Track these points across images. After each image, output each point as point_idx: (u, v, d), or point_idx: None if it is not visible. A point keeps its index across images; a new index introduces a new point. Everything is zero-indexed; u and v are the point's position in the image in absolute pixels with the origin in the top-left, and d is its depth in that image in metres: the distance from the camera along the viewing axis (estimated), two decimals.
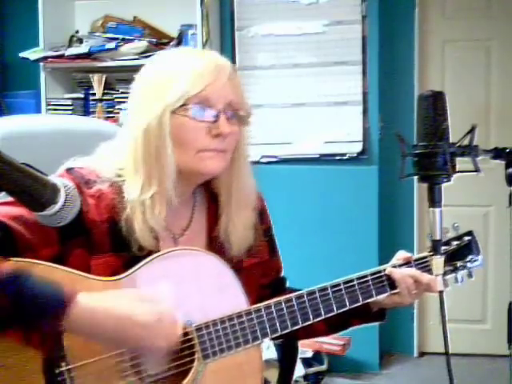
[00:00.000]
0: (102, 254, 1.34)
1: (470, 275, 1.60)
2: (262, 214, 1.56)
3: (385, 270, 1.53)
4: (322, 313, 1.45)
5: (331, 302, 1.46)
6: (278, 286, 1.62)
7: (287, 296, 1.44)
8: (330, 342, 3.68)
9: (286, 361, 1.81)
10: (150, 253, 1.35)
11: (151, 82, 1.38)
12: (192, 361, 1.35)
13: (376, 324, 1.62)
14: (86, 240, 1.32)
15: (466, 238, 1.59)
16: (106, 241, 1.34)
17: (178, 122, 1.34)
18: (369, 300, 1.51)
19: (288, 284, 1.66)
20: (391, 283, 1.52)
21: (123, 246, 1.35)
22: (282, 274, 1.65)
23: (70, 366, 1.25)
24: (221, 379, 1.38)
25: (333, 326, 1.57)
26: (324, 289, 1.46)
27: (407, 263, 1.55)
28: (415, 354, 4.15)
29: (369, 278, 1.50)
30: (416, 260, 1.55)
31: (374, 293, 1.50)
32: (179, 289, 1.34)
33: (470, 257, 1.58)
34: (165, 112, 1.33)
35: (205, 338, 1.35)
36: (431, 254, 1.52)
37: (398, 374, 3.93)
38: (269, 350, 2.81)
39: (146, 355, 1.30)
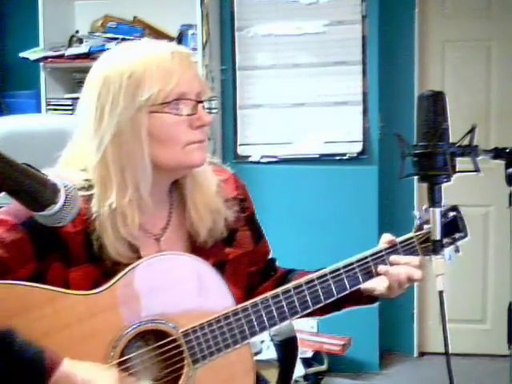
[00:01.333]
0: (79, 265, 1.32)
1: (457, 250, 1.56)
2: (243, 201, 1.53)
3: (370, 256, 1.50)
4: (311, 305, 1.43)
5: (318, 293, 1.44)
6: (267, 271, 1.61)
7: (274, 291, 1.41)
8: (330, 342, 3.68)
9: (285, 361, 1.80)
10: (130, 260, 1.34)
11: (114, 81, 1.31)
12: (182, 367, 1.34)
13: (368, 306, 1.60)
14: (63, 253, 1.31)
15: (451, 214, 1.55)
16: (82, 252, 1.33)
17: (158, 121, 1.32)
18: (356, 287, 1.48)
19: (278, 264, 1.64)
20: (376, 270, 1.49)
21: (99, 255, 1.33)
22: (270, 256, 1.63)
23: None
24: (213, 381, 1.37)
25: (325, 309, 1.53)
26: (310, 280, 1.44)
27: (393, 246, 1.52)
28: (415, 354, 4.15)
29: (355, 265, 1.48)
30: (401, 242, 1.53)
31: (361, 279, 1.48)
32: (161, 295, 1.33)
33: (457, 234, 1.55)
34: (139, 113, 1.30)
35: (193, 343, 1.34)
36: (417, 234, 1.51)
37: (397, 374, 3.93)
38: (269, 349, 2.81)
39: None
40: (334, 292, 1.45)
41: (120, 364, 1.30)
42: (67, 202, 1.13)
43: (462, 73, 4.06)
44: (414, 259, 1.50)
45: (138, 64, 1.32)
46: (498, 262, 3.98)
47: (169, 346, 1.33)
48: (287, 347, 1.83)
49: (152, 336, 1.34)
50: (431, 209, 1.47)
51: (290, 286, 1.43)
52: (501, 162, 1.58)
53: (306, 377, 3.61)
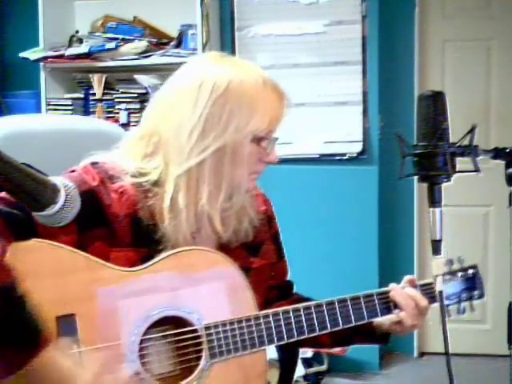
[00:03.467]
0: (122, 247, 1.37)
1: (472, 309, 1.65)
2: (270, 219, 1.61)
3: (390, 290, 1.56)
4: (328, 326, 1.48)
5: (337, 316, 1.49)
6: (285, 289, 1.65)
7: (295, 306, 1.46)
8: None
9: (286, 361, 1.81)
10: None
11: (234, 99, 1.38)
12: (198, 358, 1.36)
13: (377, 345, 1.65)
14: (107, 232, 1.35)
15: (471, 272, 1.64)
16: (127, 235, 1.37)
17: (248, 149, 1.39)
18: (374, 319, 1.54)
19: (295, 289, 1.69)
20: (396, 305, 1.54)
21: (144, 242, 1.38)
22: (288, 278, 1.68)
23: (80, 349, 1.25)
24: (226, 379, 1.39)
25: (336, 339, 1.60)
26: (331, 303, 1.49)
27: (413, 287, 1.58)
28: (415, 354, 4.15)
29: (375, 297, 1.53)
30: (422, 285, 1.58)
31: (379, 312, 1.53)
32: (191, 288, 1.37)
33: (475, 292, 1.63)
34: (244, 139, 1.38)
35: (213, 337, 1.37)
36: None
37: (397, 374, 3.93)
38: (269, 350, 2.80)
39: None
40: (352, 318, 1.50)
41: (140, 342, 1.32)
42: (67, 201, 1.13)
43: (462, 73, 4.06)
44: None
45: (258, 92, 1.40)
46: (497, 262, 3.98)
47: (189, 336, 1.36)
48: (288, 348, 1.83)
49: (175, 324, 1.36)
50: (431, 209, 1.47)
51: (311, 303, 1.48)
52: (501, 162, 1.58)
53: (306, 377, 3.61)
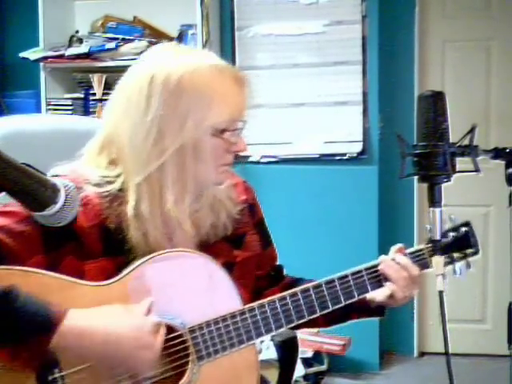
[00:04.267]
0: (95, 258, 1.33)
1: (468, 266, 1.57)
2: (252, 206, 1.56)
3: (378, 264, 1.50)
4: (317, 310, 1.44)
5: (326, 298, 1.44)
6: (274, 276, 1.62)
7: (281, 294, 1.43)
8: (330, 342, 3.68)
9: (285, 361, 1.81)
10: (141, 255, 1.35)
11: (187, 95, 1.31)
12: (187, 362, 1.35)
13: (375, 319, 1.61)
14: (76, 246, 1.32)
15: (463, 229, 1.56)
16: (97, 245, 1.33)
17: (213, 143, 1.34)
18: (364, 295, 1.49)
19: (285, 272, 1.65)
20: (386, 278, 1.50)
21: (117, 250, 1.34)
22: (277, 262, 1.64)
23: (63, 373, 1.24)
24: (216, 380, 1.37)
25: (332, 319, 1.56)
26: (318, 285, 1.45)
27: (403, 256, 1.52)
28: (415, 354, 4.15)
29: (363, 272, 1.49)
30: (411, 253, 1.53)
31: (369, 287, 1.49)
32: (171, 291, 1.34)
33: (468, 249, 1.55)
34: (204, 135, 1.33)
35: (198, 340, 1.35)
36: (427, 246, 1.52)
37: (398, 373, 3.93)
38: (269, 350, 2.81)
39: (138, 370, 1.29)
40: (342, 298, 1.46)
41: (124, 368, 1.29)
42: (67, 202, 1.13)
43: (462, 73, 4.06)
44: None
45: (213, 83, 1.33)
46: (497, 262, 3.98)
47: (175, 341, 1.33)
48: (287, 347, 1.84)
49: None
50: (431, 209, 1.47)
51: (297, 289, 1.44)
52: (501, 162, 1.58)
53: (306, 377, 3.61)
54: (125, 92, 1.36)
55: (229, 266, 1.43)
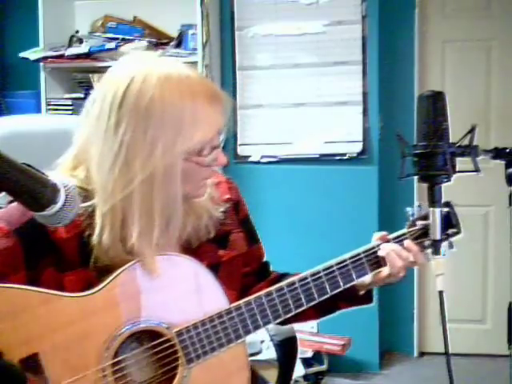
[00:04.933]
0: (74, 269, 1.32)
1: (450, 246, 1.53)
2: (236, 204, 1.54)
3: (363, 252, 1.49)
4: (304, 303, 1.43)
5: (312, 290, 1.43)
6: (261, 272, 1.61)
7: (267, 290, 1.41)
8: (330, 342, 3.68)
9: (285, 361, 1.81)
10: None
11: (155, 118, 1.25)
12: (176, 366, 1.34)
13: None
14: (56, 258, 1.31)
15: (445, 210, 1.52)
16: (76, 256, 1.32)
17: (187, 167, 1.30)
18: (350, 284, 1.48)
19: (272, 268, 1.65)
20: (371, 264, 1.49)
21: (95, 260, 1.32)
22: (264, 259, 1.63)
23: None
24: (207, 381, 1.37)
25: (321, 310, 1.54)
26: (304, 278, 1.44)
27: (385, 242, 1.50)
28: (415, 354, 4.15)
29: (348, 261, 1.48)
30: (394, 238, 1.51)
31: (354, 276, 1.47)
32: (157, 295, 1.33)
33: (450, 230, 1.51)
34: (175, 160, 1.27)
35: (186, 343, 1.34)
36: (410, 230, 1.51)
37: (397, 374, 3.93)
38: (268, 350, 2.81)
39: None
40: (328, 289, 1.45)
41: (114, 365, 1.29)
42: (67, 202, 1.13)
43: (462, 73, 4.06)
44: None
45: (184, 106, 1.26)
46: (497, 262, 3.98)
47: (163, 346, 1.33)
48: (287, 347, 1.83)
49: (146, 336, 1.34)
50: (431, 209, 1.48)
51: (283, 284, 1.42)
52: (501, 162, 1.58)
53: (306, 377, 3.61)
54: (97, 107, 1.30)
55: (214, 267, 1.42)
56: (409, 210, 1.51)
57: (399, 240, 1.51)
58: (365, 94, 3.82)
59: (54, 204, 1.12)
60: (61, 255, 1.31)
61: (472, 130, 1.47)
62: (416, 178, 1.50)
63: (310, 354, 3.64)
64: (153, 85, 1.25)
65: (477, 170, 1.50)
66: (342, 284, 1.46)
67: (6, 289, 1.23)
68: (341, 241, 3.86)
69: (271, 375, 1.68)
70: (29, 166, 1.12)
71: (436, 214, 1.47)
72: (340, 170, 3.88)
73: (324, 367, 3.73)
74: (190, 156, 1.29)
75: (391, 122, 3.89)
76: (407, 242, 1.49)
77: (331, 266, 1.47)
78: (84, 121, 1.33)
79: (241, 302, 1.39)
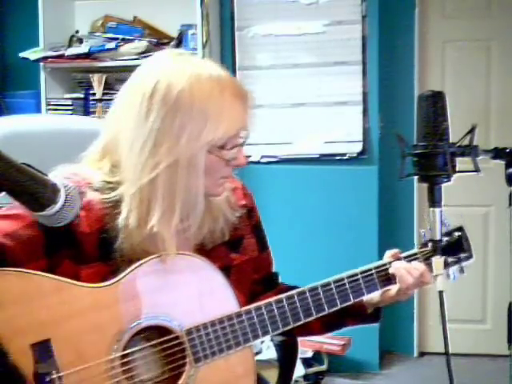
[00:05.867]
0: (91, 263, 1.35)
1: (461, 271, 1.56)
2: (251, 210, 1.56)
3: (374, 268, 1.51)
4: (314, 313, 1.45)
5: (322, 301, 1.45)
6: (270, 282, 1.62)
7: (278, 297, 1.43)
8: (330, 342, 3.68)
9: (285, 361, 1.80)
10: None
11: (184, 110, 1.30)
12: (184, 364, 1.35)
13: (371, 325, 1.62)
14: (75, 251, 1.33)
15: (456, 234, 1.56)
16: (95, 250, 1.35)
17: (209, 160, 1.34)
18: (360, 298, 1.50)
19: (280, 279, 1.66)
20: (382, 280, 1.50)
21: (110, 256, 1.36)
22: (273, 269, 1.65)
23: (60, 374, 1.25)
24: (214, 381, 1.38)
25: (327, 325, 1.57)
26: (314, 288, 1.45)
27: (397, 260, 1.52)
28: (415, 354, 4.15)
29: (359, 276, 1.49)
30: (406, 257, 1.53)
31: (364, 291, 1.49)
32: (168, 293, 1.35)
33: (461, 254, 1.54)
34: (199, 151, 1.32)
35: (195, 342, 1.35)
36: (422, 251, 1.52)
37: (398, 374, 3.93)
38: (269, 350, 2.81)
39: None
40: (338, 301, 1.46)
41: (122, 357, 1.31)
42: (67, 202, 1.13)
43: (462, 73, 4.06)
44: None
45: (211, 99, 1.31)
46: (497, 262, 3.98)
47: (172, 343, 1.34)
48: (287, 347, 1.83)
49: (156, 333, 1.35)
50: (431, 209, 1.48)
51: (293, 292, 1.44)
52: (501, 162, 1.58)
53: (306, 377, 3.61)
54: (127, 99, 1.36)
55: (225, 270, 1.44)
56: (421, 231, 1.52)
57: (411, 260, 1.52)
58: (365, 94, 3.82)
59: (54, 204, 1.12)
60: (80, 249, 1.34)
61: (472, 130, 1.47)
62: (416, 178, 1.50)
63: (310, 354, 3.64)
64: (183, 78, 1.31)
65: (477, 170, 1.50)
66: (352, 298, 1.48)
67: (23, 273, 1.25)
68: (341, 241, 3.87)
69: (271, 375, 1.68)
70: (29, 165, 1.12)
71: (436, 214, 1.47)
72: (340, 170, 3.88)
73: (324, 367, 3.73)
74: (213, 149, 1.33)
75: (391, 122, 3.89)
76: (415, 262, 1.51)
77: (342, 279, 1.48)
78: (115, 111, 1.39)
79: (251, 306, 1.41)
